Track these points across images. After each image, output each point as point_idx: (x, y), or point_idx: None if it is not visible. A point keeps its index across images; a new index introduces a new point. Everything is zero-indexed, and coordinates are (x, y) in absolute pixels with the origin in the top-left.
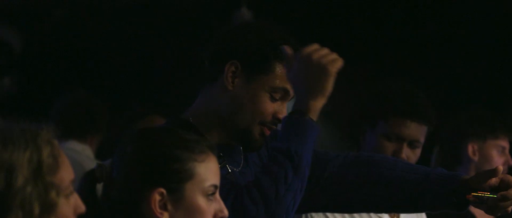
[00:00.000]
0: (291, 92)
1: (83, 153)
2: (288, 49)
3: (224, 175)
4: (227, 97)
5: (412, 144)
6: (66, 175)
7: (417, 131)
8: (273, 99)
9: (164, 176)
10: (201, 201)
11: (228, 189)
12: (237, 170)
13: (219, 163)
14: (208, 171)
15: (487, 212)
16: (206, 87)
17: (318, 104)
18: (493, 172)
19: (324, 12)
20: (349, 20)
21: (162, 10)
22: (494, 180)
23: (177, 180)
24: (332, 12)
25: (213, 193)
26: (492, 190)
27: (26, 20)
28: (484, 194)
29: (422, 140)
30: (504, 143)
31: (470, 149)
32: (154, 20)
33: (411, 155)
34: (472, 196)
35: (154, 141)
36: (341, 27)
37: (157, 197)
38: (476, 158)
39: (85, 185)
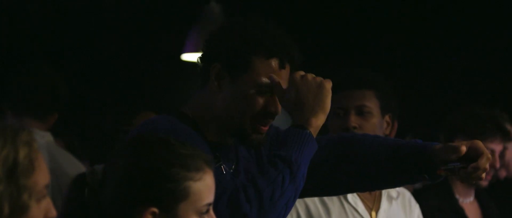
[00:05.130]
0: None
1: (43, 140)
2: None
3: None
4: (217, 99)
5: (360, 111)
6: (41, 178)
7: (359, 97)
8: (261, 94)
9: (158, 195)
10: None
11: (223, 188)
12: (231, 170)
13: (215, 163)
14: (204, 189)
15: (461, 181)
16: (201, 89)
17: (319, 121)
18: (458, 150)
19: (293, 4)
20: (320, 13)
21: (131, 5)
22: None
23: (171, 200)
24: (302, 4)
25: (207, 211)
26: (461, 159)
27: None
28: (454, 165)
29: (369, 104)
30: (493, 145)
31: None
32: (122, 14)
33: (363, 123)
34: (442, 170)
35: (148, 156)
36: (312, 20)
37: (149, 217)
38: None
39: (75, 189)
